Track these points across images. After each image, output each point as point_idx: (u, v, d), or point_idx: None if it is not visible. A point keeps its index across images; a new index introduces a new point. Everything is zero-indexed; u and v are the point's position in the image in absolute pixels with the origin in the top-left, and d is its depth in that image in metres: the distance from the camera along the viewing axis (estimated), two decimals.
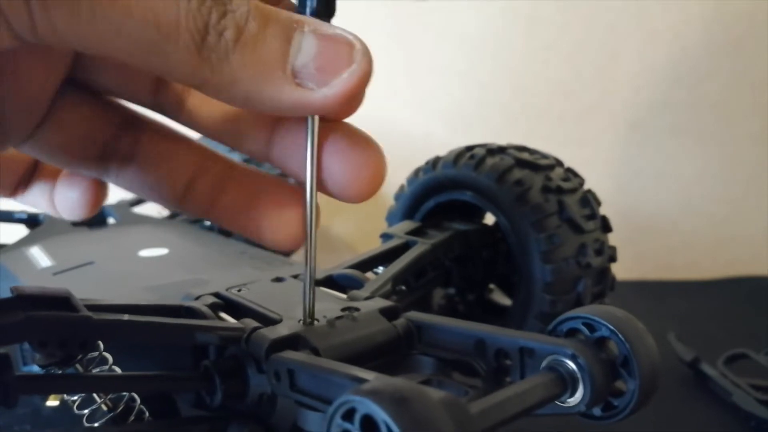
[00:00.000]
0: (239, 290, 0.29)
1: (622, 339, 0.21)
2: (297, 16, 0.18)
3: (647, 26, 0.69)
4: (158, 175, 0.24)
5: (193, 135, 0.25)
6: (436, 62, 0.72)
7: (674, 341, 0.46)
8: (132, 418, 0.25)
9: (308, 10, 0.19)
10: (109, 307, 0.23)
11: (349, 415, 0.15)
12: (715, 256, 0.72)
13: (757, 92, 0.69)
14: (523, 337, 0.22)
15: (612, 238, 0.40)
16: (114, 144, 0.23)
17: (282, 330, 0.24)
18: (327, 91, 0.18)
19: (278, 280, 0.31)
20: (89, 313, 0.20)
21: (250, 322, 0.24)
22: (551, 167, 0.39)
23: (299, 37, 0.18)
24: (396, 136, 0.72)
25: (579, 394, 0.21)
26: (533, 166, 0.39)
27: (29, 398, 0.36)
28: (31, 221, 0.53)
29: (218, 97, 0.19)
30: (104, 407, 0.25)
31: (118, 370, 0.25)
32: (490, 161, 0.39)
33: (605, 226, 0.39)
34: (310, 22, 0.18)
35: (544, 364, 0.22)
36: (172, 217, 0.54)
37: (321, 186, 0.22)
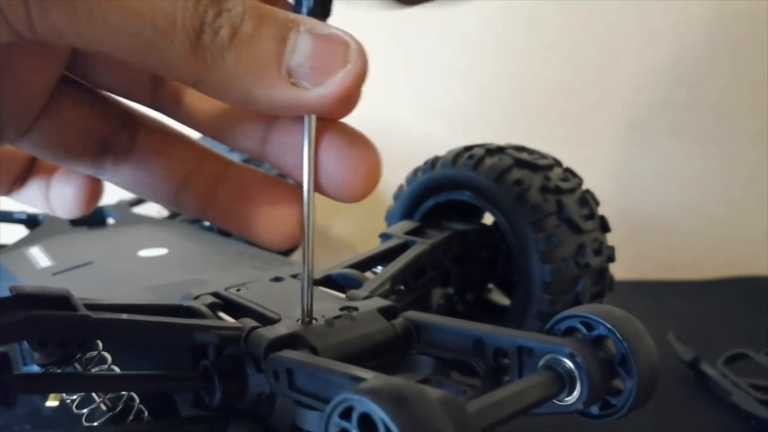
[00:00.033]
0: (238, 290, 0.29)
1: (620, 337, 0.21)
2: (293, 16, 0.18)
3: (647, 26, 0.69)
4: (154, 172, 0.24)
5: (192, 134, 0.25)
6: (436, 62, 0.72)
7: (674, 341, 0.46)
8: (131, 417, 0.25)
9: (304, 9, 0.19)
10: (109, 306, 0.23)
11: (346, 414, 0.15)
12: (715, 256, 0.72)
13: (757, 92, 0.69)
14: (521, 337, 0.22)
15: (612, 238, 0.40)
16: (110, 141, 0.24)
17: (281, 329, 0.24)
18: (322, 91, 0.18)
19: (277, 279, 0.31)
20: (88, 313, 0.20)
21: (249, 322, 0.24)
22: (550, 167, 0.39)
23: (294, 36, 0.18)
24: (396, 136, 0.72)
25: (577, 393, 0.21)
26: (532, 166, 0.39)
27: (29, 398, 0.36)
28: (31, 221, 0.53)
29: (213, 95, 0.19)
30: (103, 407, 0.25)
31: (117, 369, 0.25)
32: (488, 161, 0.39)
33: (604, 226, 0.39)
34: (306, 21, 0.18)
35: (541, 363, 0.22)
36: (171, 217, 0.54)
37: (316, 185, 0.22)
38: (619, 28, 0.70)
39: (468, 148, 0.41)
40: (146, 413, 0.25)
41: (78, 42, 0.17)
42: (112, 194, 0.55)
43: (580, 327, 0.22)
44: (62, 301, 0.21)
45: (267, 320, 0.25)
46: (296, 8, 0.20)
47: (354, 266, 0.33)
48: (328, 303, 0.27)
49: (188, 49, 0.17)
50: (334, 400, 0.16)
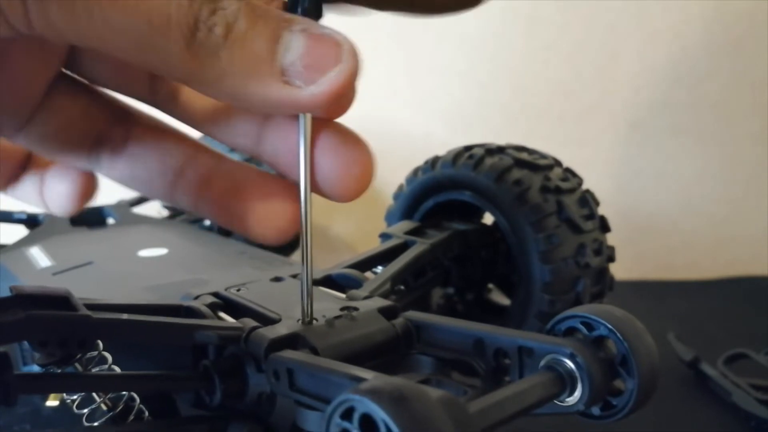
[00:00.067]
0: (238, 290, 0.29)
1: (621, 338, 0.21)
2: (286, 15, 0.19)
3: (647, 26, 0.69)
4: (148, 167, 0.24)
5: (191, 132, 0.25)
6: (436, 62, 0.72)
7: (674, 341, 0.46)
8: (131, 417, 0.25)
9: (299, 10, 0.19)
10: (109, 306, 0.23)
11: (347, 414, 0.15)
12: (715, 256, 0.72)
13: (757, 92, 0.69)
14: (521, 337, 0.22)
15: (612, 238, 0.40)
16: (106, 135, 0.24)
17: (281, 329, 0.24)
18: (314, 89, 0.18)
19: (277, 279, 0.31)
20: (89, 312, 0.20)
21: (249, 322, 0.24)
22: (550, 167, 0.39)
23: (288, 35, 0.18)
24: (396, 136, 0.72)
25: (577, 394, 0.21)
26: (532, 166, 0.39)
27: (29, 398, 0.36)
28: (31, 221, 0.53)
29: (207, 92, 0.19)
30: (104, 407, 0.25)
31: (117, 369, 0.25)
32: (488, 161, 0.39)
33: (604, 226, 0.39)
34: (300, 21, 0.19)
35: (542, 363, 0.22)
36: (171, 217, 0.55)
37: (311, 184, 0.22)
38: (619, 28, 0.70)
39: (468, 148, 0.41)
40: (147, 413, 0.25)
41: (75, 39, 0.17)
42: (112, 194, 0.55)
43: (581, 327, 0.22)
44: (62, 301, 0.21)
45: (267, 320, 0.25)
46: (291, 8, 0.20)
47: (354, 266, 0.33)
48: (328, 303, 0.27)
49: (183, 46, 0.17)
50: (335, 400, 0.16)
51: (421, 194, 0.43)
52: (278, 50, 0.18)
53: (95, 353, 0.24)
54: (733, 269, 0.69)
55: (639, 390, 0.21)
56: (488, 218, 0.42)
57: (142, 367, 0.25)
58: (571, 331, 0.22)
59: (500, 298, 0.44)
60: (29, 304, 0.20)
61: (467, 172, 0.39)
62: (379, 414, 0.14)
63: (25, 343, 0.24)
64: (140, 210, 0.55)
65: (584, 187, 0.40)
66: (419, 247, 0.37)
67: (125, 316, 0.22)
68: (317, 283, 0.30)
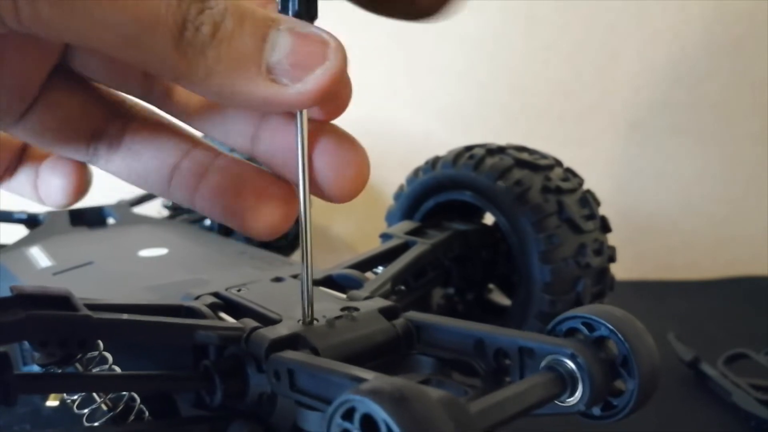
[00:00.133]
0: (239, 290, 0.29)
1: (621, 338, 0.21)
2: (273, 15, 0.19)
3: (647, 26, 0.69)
4: (145, 161, 0.24)
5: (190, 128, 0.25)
6: (436, 62, 0.72)
7: (674, 341, 0.46)
8: (132, 417, 0.25)
9: (290, 12, 0.20)
10: (109, 306, 0.23)
11: (348, 415, 0.15)
12: (715, 256, 0.72)
13: (757, 92, 0.70)
14: (522, 337, 0.22)
15: (612, 238, 0.40)
16: (103, 130, 0.24)
17: (281, 330, 0.24)
18: (300, 87, 0.18)
19: (278, 280, 0.31)
20: (89, 312, 0.20)
21: (250, 322, 0.24)
22: (550, 167, 0.39)
23: (274, 34, 0.18)
24: (396, 136, 0.72)
25: (578, 394, 0.21)
26: (532, 166, 0.39)
27: (29, 398, 0.36)
28: (31, 221, 0.53)
29: (195, 90, 0.19)
30: (104, 407, 0.25)
31: (117, 369, 0.25)
32: (489, 161, 0.39)
33: (604, 226, 0.39)
34: (286, 20, 0.19)
35: (543, 363, 0.22)
36: (171, 217, 0.55)
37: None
38: (619, 28, 0.70)
39: (469, 148, 0.41)
40: (147, 413, 0.25)
41: (65, 36, 0.17)
42: (113, 194, 0.55)
43: (582, 328, 0.22)
44: (63, 301, 0.21)
45: (268, 321, 0.25)
46: (282, 11, 0.20)
47: (355, 266, 0.33)
48: (328, 303, 0.27)
49: (171, 44, 0.18)
50: (336, 401, 0.16)
51: (422, 194, 0.43)
52: (265, 49, 0.18)
53: (96, 353, 0.24)
54: (733, 269, 0.69)
55: (639, 390, 0.21)
56: (489, 218, 0.42)
57: (142, 367, 0.25)
58: (571, 332, 0.22)
59: (501, 299, 0.44)
60: (29, 304, 0.20)
61: (468, 173, 0.39)
62: (380, 414, 0.14)
63: (26, 343, 0.24)
64: (140, 210, 0.55)
65: (584, 187, 0.40)
66: (420, 247, 0.37)
67: (126, 316, 0.22)
68: (318, 283, 0.30)
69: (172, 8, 0.17)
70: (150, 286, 0.32)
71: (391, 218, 0.45)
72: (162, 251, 0.40)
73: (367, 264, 0.35)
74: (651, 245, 0.73)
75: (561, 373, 0.21)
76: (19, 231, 0.51)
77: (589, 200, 0.39)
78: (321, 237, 0.73)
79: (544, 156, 0.41)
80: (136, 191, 0.58)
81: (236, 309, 0.27)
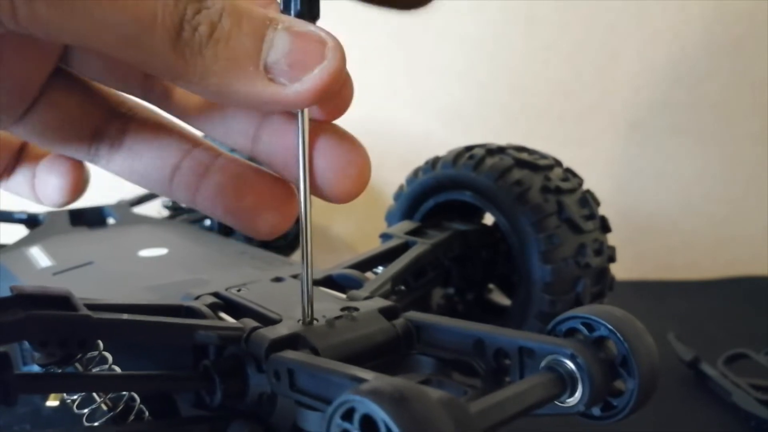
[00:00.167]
0: (239, 290, 0.29)
1: (621, 338, 0.21)
2: (271, 14, 0.19)
3: (647, 26, 0.69)
4: (146, 161, 0.24)
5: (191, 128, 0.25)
6: (436, 62, 0.72)
7: (674, 341, 0.46)
8: (132, 417, 0.25)
9: (292, 11, 0.20)
10: (109, 306, 0.23)
11: (348, 415, 0.15)
12: (715, 256, 0.72)
13: (757, 92, 0.70)
14: (522, 337, 0.22)
15: (612, 238, 0.40)
16: (104, 130, 0.24)
17: (281, 330, 0.24)
18: (298, 87, 0.18)
19: (278, 280, 0.31)
20: (89, 312, 0.20)
21: (250, 322, 0.24)
22: (550, 167, 0.39)
23: (272, 33, 0.18)
24: (396, 136, 0.72)
25: (578, 394, 0.21)
26: (532, 167, 0.39)
27: (29, 397, 0.36)
28: (31, 221, 0.53)
29: (193, 90, 0.19)
30: (104, 407, 0.25)
31: (117, 369, 0.25)
32: (489, 161, 0.39)
33: (604, 227, 0.39)
34: (284, 19, 0.19)
35: (543, 363, 0.22)
36: (172, 217, 0.55)
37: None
38: (619, 28, 0.70)
39: (469, 148, 0.41)
40: (147, 413, 0.25)
41: (62, 36, 0.17)
42: (112, 194, 0.55)
43: (582, 328, 0.22)
44: (63, 301, 0.21)
45: (268, 321, 0.25)
46: (284, 10, 0.20)
47: (354, 266, 0.33)
48: (328, 303, 0.27)
49: (168, 45, 0.18)
50: (336, 401, 0.16)
51: (422, 194, 0.43)
52: (263, 48, 0.18)
53: (96, 353, 0.24)
54: (733, 269, 0.69)
55: (639, 390, 0.21)
56: (489, 218, 0.42)
57: (142, 367, 0.25)
58: (571, 332, 0.22)
59: (500, 299, 0.44)
60: (29, 304, 0.20)
61: (468, 173, 0.39)
62: (380, 415, 0.14)
63: (26, 343, 0.24)
64: (140, 210, 0.55)
65: (584, 187, 0.40)
66: (420, 247, 0.37)
67: (126, 316, 0.22)
68: (318, 283, 0.30)
69: (169, 8, 0.17)
70: (150, 286, 0.32)
71: (391, 218, 0.45)
72: (162, 251, 0.40)
73: (367, 264, 0.35)
74: (651, 245, 0.73)
75: (561, 373, 0.21)
76: (19, 231, 0.51)
77: (588, 200, 0.39)
78: (321, 237, 0.73)
79: (544, 156, 0.41)
80: (136, 191, 0.58)
81: (236, 309, 0.27)
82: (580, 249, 0.37)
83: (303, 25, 0.19)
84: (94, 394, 0.25)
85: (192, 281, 0.32)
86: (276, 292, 0.29)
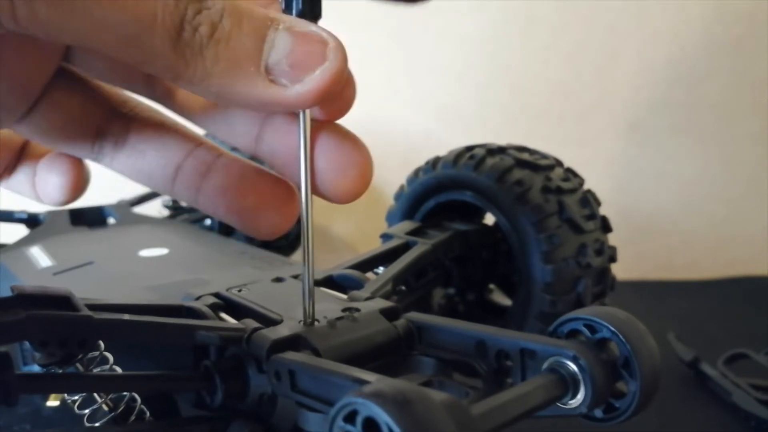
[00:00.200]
0: (239, 290, 0.29)
1: (623, 340, 0.21)
2: (273, 14, 0.19)
3: (647, 26, 0.69)
4: (149, 159, 0.24)
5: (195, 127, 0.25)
6: (436, 62, 0.72)
7: (674, 341, 0.46)
8: (133, 418, 0.25)
9: (294, 11, 0.19)
10: (110, 306, 0.23)
11: (351, 418, 0.15)
12: (715, 256, 0.72)
13: (757, 92, 0.70)
14: (524, 339, 0.22)
15: (612, 238, 0.40)
16: (107, 129, 0.24)
17: (283, 331, 0.24)
18: (300, 88, 0.18)
19: (278, 280, 0.31)
20: (90, 313, 0.20)
21: (251, 323, 0.24)
22: (551, 167, 0.39)
23: (273, 34, 0.18)
24: (396, 135, 0.72)
25: (580, 396, 0.21)
26: (533, 167, 0.39)
27: (29, 398, 0.36)
28: (31, 221, 0.53)
29: (193, 90, 0.19)
30: (105, 407, 0.25)
31: (118, 369, 0.25)
32: (490, 161, 0.39)
33: (605, 227, 0.39)
34: (286, 19, 0.19)
35: (545, 365, 0.21)
36: (172, 217, 0.54)
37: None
38: (619, 28, 0.70)
39: (469, 148, 0.41)
40: (148, 414, 0.25)
41: (62, 36, 0.17)
42: (113, 194, 0.55)
43: (584, 330, 0.22)
44: (63, 301, 0.21)
45: (269, 321, 0.25)
46: (286, 10, 0.20)
47: (355, 267, 0.33)
48: (329, 304, 0.27)
49: (169, 45, 0.17)
50: (338, 403, 0.16)
51: (422, 194, 0.43)
52: (264, 49, 0.18)
53: (96, 353, 0.24)
54: (733, 269, 0.69)
55: (641, 392, 0.21)
56: (489, 219, 0.42)
57: (143, 367, 0.25)
58: (573, 334, 0.22)
59: (501, 299, 0.44)
60: (30, 304, 0.20)
61: (468, 173, 0.39)
62: (383, 417, 0.14)
63: (26, 343, 0.24)
64: (141, 210, 0.55)
65: (585, 187, 0.40)
66: (420, 247, 0.37)
67: (126, 316, 0.22)
68: (318, 283, 0.30)
69: (169, 8, 0.17)
70: (150, 286, 0.32)
71: (391, 218, 0.45)
72: (162, 251, 0.40)
73: (367, 264, 0.35)
74: (651, 245, 0.73)
75: (563, 375, 0.21)
76: (20, 231, 0.51)
77: (589, 200, 0.39)
78: (321, 237, 0.73)
79: (544, 156, 0.41)
80: (137, 191, 0.58)
81: (237, 309, 0.27)
82: (581, 249, 0.37)
83: (304, 25, 0.19)
84: (95, 395, 0.25)
85: (192, 281, 0.32)
86: (277, 292, 0.29)
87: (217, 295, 0.29)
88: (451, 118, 0.73)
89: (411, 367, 0.25)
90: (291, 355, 0.22)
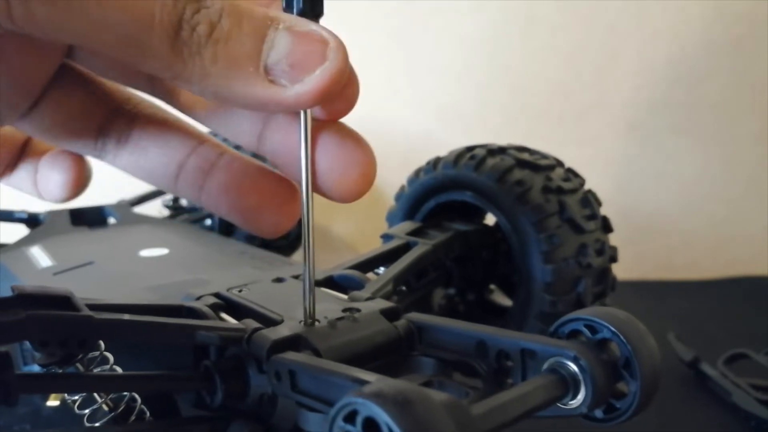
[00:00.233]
0: (240, 291, 0.29)
1: (624, 340, 0.21)
2: (273, 13, 0.18)
3: (647, 26, 0.69)
4: (151, 157, 0.24)
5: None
6: (436, 62, 0.72)
7: (674, 341, 0.46)
8: (133, 418, 0.25)
9: (294, 10, 0.19)
10: (110, 306, 0.23)
11: (351, 418, 0.15)
12: (715, 256, 0.72)
13: (757, 92, 0.70)
14: (524, 339, 0.22)
15: (612, 238, 0.40)
16: (109, 126, 0.24)
17: (283, 331, 0.23)
18: (299, 88, 0.18)
19: (279, 280, 0.31)
20: (90, 313, 0.20)
21: (251, 323, 0.24)
22: (551, 167, 0.39)
23: (273, 33, 0.18)
24: (396, 135, 0.72)
25: (581, 396, 0.21)
26: (534, 167, 0.39)
27: (30, 398, 0.36)
28: (32, 221, 0.53)
29: (192, 90, 0.19)
30: (105, 407, 0.25)
31: (119, 369, 0.25)
32: (490, 161, 0.39)
33: (606, 227, 0.39)
34: (286, 19, 0.18)
35: (545, 365, 0.21)
36: (172, 216, 0.55)
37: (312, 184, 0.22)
38: (619, 28, 0.70)
39: (470, 149, 0.41)
40: (148, 414, 0.25)
41: (59, 36, 0.17)
42: (113, 194, 0.55)
43: (584, 330, 0.22)
44: (64, 301, 0.21)
45: (269, 321, 0.25)
46: (287, 9, 0.19)
47: (356, 267, 0.33)
48: (330, 304, 0.27)
49: (167, 45, 0.17)
50: (338, 403, 0.15)
51: (423, 195, 0.43)
52: (263, 49, 0.18)
53: (97, 353, 0.24)
54: (733, 269, 0.69)
55: (642, 392, 0.21)
56: (490, 219, 0.42)
57: (143, 367, 0.25)
58: (574, 334, 0.22)
59: (501, 299, 0.44)
60: (30, 303, 0.20)
61: (469, 173, 0.39)
62: (383, 417, 0.14)
63: (26, 343, 0.24)
64: (141, 210, 0.55)
65: (585, 187, 0.40)
66: (421, 247, 0.37)
67: (127, 316, 0.22)
68: (319, 284, 0.30)
69: (167, 8, 0.17)
70: (151, 287, 0.32)
71: (392, 219, 0.45)
72: (163, 251, 0.40)
73: (368, 264, 0.35)
74: (651, 245, 0.73)
75: (563, 375, 0.21)
76: (20, 230, 0.51)
77: (590, 200, 0.39)
78: (322, 237, 0.73)
79: (545, 156, 0.41)
80: (137, 191, 0.58)
81: (237, 309, 0.27)
82: (581, 249, 0.37)
83: (305, 25, 0.18)
84: (95, 395, 0.25)
85: (193, 281, 0.32)
86: (277, 292, 0.29)
87: (217, 295, 0.29)
88: (451, 118, 0.73)
89: (411, 368, 0.25)
90: (291, 356, 0.22)
